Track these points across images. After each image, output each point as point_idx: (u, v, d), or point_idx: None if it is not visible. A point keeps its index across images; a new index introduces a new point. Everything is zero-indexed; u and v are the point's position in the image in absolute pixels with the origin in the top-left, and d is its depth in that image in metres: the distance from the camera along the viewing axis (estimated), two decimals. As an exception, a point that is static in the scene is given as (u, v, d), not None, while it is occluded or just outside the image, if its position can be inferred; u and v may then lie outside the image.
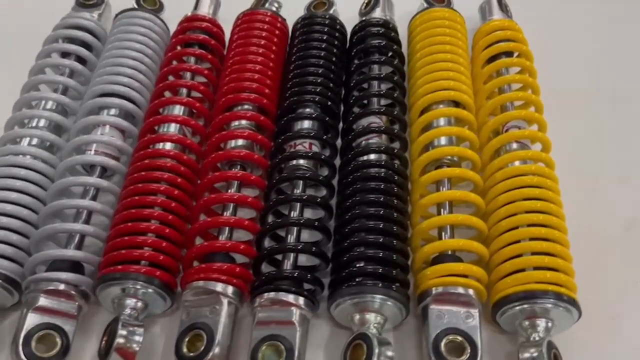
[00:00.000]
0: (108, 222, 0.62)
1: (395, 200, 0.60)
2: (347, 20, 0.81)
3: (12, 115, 0.69)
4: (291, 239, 0.59)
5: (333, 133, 0.69)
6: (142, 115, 0.70)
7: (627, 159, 0.73)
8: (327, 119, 0.68)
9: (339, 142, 0.69)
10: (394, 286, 0.55)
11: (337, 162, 0.67)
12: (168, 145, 0.65)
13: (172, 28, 0.80)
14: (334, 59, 0.73)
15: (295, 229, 0.60)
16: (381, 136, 0.66)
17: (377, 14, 0.79)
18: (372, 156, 0.64)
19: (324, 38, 0.75)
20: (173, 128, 0.67)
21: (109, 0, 0.84)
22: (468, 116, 0.67)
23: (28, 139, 0.66)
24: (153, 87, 0.73)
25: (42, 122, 0.68)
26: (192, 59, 0.75)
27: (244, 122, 0.68)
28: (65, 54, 0.75)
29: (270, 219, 0.62)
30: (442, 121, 0.67)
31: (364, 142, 0.66)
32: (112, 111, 0.69)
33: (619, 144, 0.74)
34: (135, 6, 0.81)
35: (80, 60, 0.75)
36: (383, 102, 0.70)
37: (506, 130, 0.66)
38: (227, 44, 0.79)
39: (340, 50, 0.76)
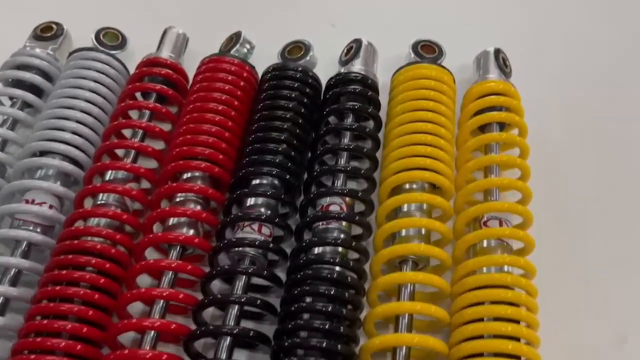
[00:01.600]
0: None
1: (344, 310, 0.52)
2: (326, 64, 0.73)
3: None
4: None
5: (290, 210, 0.62)
6: (82, 175, 0.64)
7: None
8: (283, 196, 0.61)
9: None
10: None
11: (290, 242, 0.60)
12: (103, 222, 0.59)
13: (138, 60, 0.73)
14: (301, 121, 0.65)
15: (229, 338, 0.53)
16: (341, 222, 0.58)
17: (357, 66, 0.70)
18: (328, 249, 0.56)
19: (292, 96, 0.66)
20: (112, 199, 0.60)
21: (68, 31, 0.77)
22: (442, 203, 0.59)
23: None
24: (101, 140, 0.67)
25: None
26: (147, 113, 0.67)
27: (190, 195, 0.61)
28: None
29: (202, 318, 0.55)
30: (413, 207, 0.59)
31: (321, 227, 0.58)
32: (50, 171, 0.63)
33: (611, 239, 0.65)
34: (94, 43, 0.74)
35: (28, 104, 0.69)
36: (348, 179, 0.62)
37: (485, 222, 0.58)
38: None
39: (311, 110, 0.68)
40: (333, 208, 0.58)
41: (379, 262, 0.56)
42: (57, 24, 0.75)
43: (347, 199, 0.59)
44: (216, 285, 0.58)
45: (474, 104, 0.66)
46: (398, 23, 0.84)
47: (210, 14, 0.84)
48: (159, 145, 0.68)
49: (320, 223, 0.58)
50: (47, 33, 0.75)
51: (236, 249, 0.57)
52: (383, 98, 0.70)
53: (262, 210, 0.59)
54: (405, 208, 0.59)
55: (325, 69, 0.73)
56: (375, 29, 0.83)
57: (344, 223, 0.58)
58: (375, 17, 0.85)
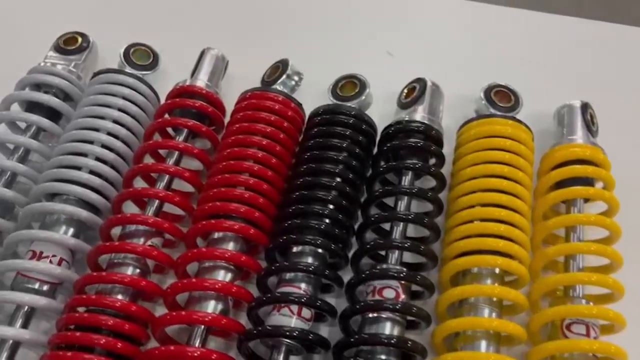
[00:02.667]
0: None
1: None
2: (380, 96, 0.63)
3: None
4: None
5: (335, 284, 0.53)
6: (99, 223, 0.55)
7: None
8: (327, 272, 0.51)
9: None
10: None
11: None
12: (117, 288, 0.51)
13: (170, 83, 0.64)
14: (351, 176, 0.56)
15: None
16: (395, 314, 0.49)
17: (419, 113, 0.60)
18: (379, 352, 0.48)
19: (344, 146, 0.57)
20: (130, 270, 0.52)
21: (95, 43, 0.68)
22: (518, 269, 0.49)
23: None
24: (121, 179, 0.58)
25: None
26: (175, 153, 0.58)
27: (229, 233, 0.53)
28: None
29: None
30: (481, 300, 0.50)
31: (372, 315, 0.49)
32: (63, 217, 0.55)
33: None
34: (122, 61, 0.65)
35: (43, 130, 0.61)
36: (404, 256, 0.53)
37: (567, 327, 0.49)
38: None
39: (363, 160, 0.58)
40: (387, 293, 0.50)
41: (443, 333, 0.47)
42: (82, 35, 0.67)
43: (404, 282, 0.51)
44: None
45: (557, 173, 0.56)
46: (465, 56, 0.74)
47: (252, 36, 0.75)
48: (188, 187, 0.59)
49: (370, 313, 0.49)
50: (71, 45, 0.66)
51: (274, 314, 0.49)
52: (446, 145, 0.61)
53: (303, 287, 0.51)
54: (472, 300, 0.50)
55: (380, 103, 0.63)
56: (438, 60, 0.73)
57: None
58: (438, 46, 0.75)
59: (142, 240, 0.53)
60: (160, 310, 0.52)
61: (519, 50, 0.75)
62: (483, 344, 0.48)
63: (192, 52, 0.67)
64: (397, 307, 0.48)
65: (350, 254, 0.54)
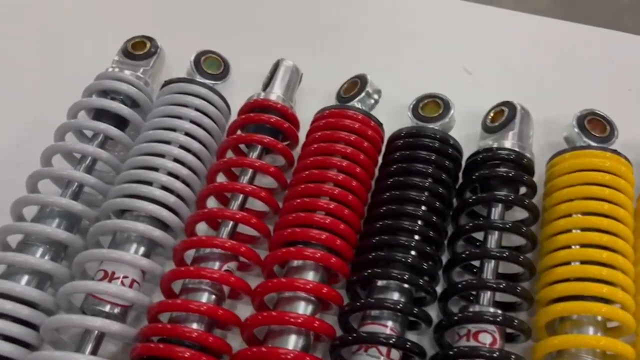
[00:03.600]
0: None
1: None
2: (460, 118, 0.59)
3: (9, 225, 0.52)
4: None
5: (424, 324, 0.50)
6: (171, 243, 0.52)
7: None
8: (416, 311, 0.48)
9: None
10: None
11: None
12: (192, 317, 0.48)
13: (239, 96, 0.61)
14: (437, 204, 0.53)
15: None
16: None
17: (509, 140, 0.57)
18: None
19: (429, 172, 0.54)
20: (205, 297, 0.49)
21: (163, 49, 0.65)
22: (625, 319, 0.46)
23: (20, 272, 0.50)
24: (195, 199, 0.56)
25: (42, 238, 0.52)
26: (249, 172, 0.55)
27: (309, 262, 0.50)
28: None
29: None
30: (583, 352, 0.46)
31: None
32: (134, 235, 0.52)
33: None
34: (193, 70, 0.62)
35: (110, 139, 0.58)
36: (497, 297, 0.49)
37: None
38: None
39: (449, 187, 0.55)
40: (484, 338, 0.46)
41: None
42: (150, 39, 0.64)
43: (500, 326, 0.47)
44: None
45: None
46: (546, 76, 0.70)
47: (319, 48, 0.71)
48: (258, 205, 0.56)
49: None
50: (139, 50, 0.63)
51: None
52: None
53: (390, 325, 0.47)
54: (574, 350, 0.46)
55: (458, 123, 0.59)
56: (518, 80, 0.70)
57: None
58: (517, 65, 0.72)
59: (217, 264, 0.51)
60: (233, 338, 0.50)
61: (602, 73, 0.71)
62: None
63: (257, 62, 0.64)
64: (495, 355, 0.45)
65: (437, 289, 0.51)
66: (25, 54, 0.70)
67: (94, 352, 0.47)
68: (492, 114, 0.60)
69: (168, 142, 0.56)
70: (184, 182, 0.55)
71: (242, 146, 0.60)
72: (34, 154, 0.57)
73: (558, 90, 0.69)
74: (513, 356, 0.45)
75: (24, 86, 0.67)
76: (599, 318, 0.48)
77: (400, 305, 0.48)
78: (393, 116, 0.61)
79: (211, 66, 0.63)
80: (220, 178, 0.58)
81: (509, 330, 0.48)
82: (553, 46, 0.73)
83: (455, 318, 0.47)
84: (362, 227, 0.54)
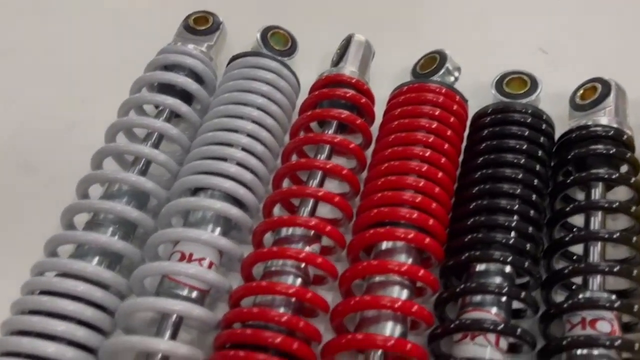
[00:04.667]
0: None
1: None
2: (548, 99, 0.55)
3: (77, 202, 0.49)
4: None
5: (529, 309, 0.45)
6: (249, 223, 0.49)
7: None
8: (523, 294, 0.44)
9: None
10: None
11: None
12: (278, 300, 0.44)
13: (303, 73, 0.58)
14: (537, 184, 0.49)
15: None
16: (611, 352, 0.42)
17: (605, 117, 0.53)
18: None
19: (524, 148, 0.50)
20: (291, 280, 0.45)
21: (225, 25, 0.62)
22: None
23: (91, 250, 0.46)
24: (271, 173, 0.52)
25: (110, 216, 0.48)
26: (327, 148, 0.52)
27: (399, 244, 0.46)
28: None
29: None
30: None
31: (581, 353, 0.41)
32: (209, 214, 0.48)
33: None
34: (260, 45, 0.59)
35: (176, 115, 0.55)
36: (612, 281, 0.45)
37: None
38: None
39: (546, 169, 0.51)
40: (602, 327, 0.42)
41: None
42: (212, 14, 0.61)
43: (617, 313, 0.43)
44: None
45: None
46: (627, 55, 0.66)
47: (383, 24, 0.67)
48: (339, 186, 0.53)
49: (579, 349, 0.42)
50: (201, 26, 0.60)
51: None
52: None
53: (494, 312, 0.43)
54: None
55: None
56: (599, 60, 0.66)
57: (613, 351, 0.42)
58: (597, 44, 0.67)
59: (299, 246, 0.47)
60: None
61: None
62: None
63: (320, 39, 0.61)
64: (617, 343, 0.41)
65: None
66: (85, 32, 0.67)
67: (172, 338, 0.43)
68: (581, 92, 0.56)
69: (241, 117, 0.53)
70: (258, 158, 0.51)
71: (313, 126, 0.56)
72: (90, 135, 0.54)
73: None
74: (637, 344, 0.41)
75: (81, 62, 0.64)
76: None
77: (506, 289, 0.44)
78: (468, 95, 0.57)
79: (278, 42, 0.59)
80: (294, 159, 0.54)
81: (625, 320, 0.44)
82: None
83: (569, 303, 0.43)
84: (452, 210, 0.50)
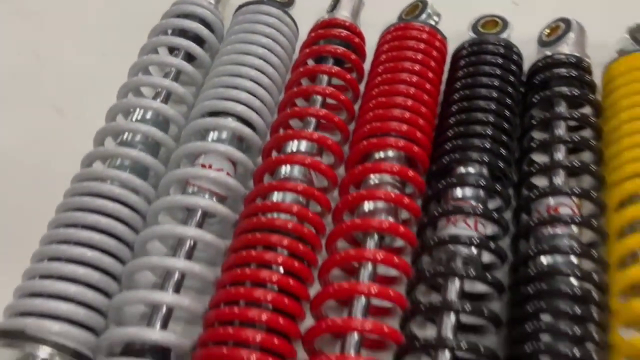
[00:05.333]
0: (202, 287, 0.49)
1: (594, 333, 0.44)
2: (521, 47, 0.63)
3: (105, 125, 0.56)
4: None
5: (503, 204, 0.53)
6: (259, 143, 0.56)
7: None
8: (498, 187, 0.52)
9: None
10: None
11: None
12: (289, 198, 0.51)
13: (303, 26, 0.65)
14: (508, 102, 0.56)
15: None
16: (570, 227, 0.49)
17: (566, 47, 0.61)
18: (560, 259, 0.47)
19: (497, 73, 0.57)
20: (297, 172, 0.52)
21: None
22: None
23: (120, 159, 0.53)
24: (275, 107, 0.59)
25: (138, 137, 0.55)
26: (325, 78, 0.59)
27: (387, 177, 0.53)
28: (173, 49, 0.62)
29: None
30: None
31: (547, 232, 0.49)
32: (224, 135, 0.55)
33: None
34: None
35: (190, 57, 0.62)
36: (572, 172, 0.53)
37: None
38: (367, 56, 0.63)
39: (517, 91, 0.59)
40: (563, 210, 0.50)
41: (622, 283, 0.47)
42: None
43: (576, 199, 0.50)
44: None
45: None
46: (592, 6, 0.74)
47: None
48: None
49: (546, 228, 0.49)
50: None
51: (449, 246, 0.49)
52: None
53: (473, 203, 0.51)
54: (643, 223, 0.50)
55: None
56: (567, 6, 0.73)
57: (574, 229, 0.49)
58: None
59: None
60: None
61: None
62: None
63: None
64: (577, 219, 0.48)
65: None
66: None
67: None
68: (547, 31, 0.64)
69: (248, 54, 0.59)
70: (265, 89, 0.58)
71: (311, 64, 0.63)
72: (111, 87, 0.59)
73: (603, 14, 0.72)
74: (593, 220, 0.49)
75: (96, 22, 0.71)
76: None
77: (483, 183, 0.51)
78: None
79: (278, -7, 0.67)
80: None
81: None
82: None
83: (533, 195, 0.51)
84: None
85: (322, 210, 0.52)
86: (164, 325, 0.45)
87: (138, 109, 0.57)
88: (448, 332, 0.44)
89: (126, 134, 0.55)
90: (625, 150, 0.53)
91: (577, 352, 0.42)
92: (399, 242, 0.51)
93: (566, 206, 0.50)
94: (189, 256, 0.48)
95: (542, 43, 0.63)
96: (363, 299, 0.46)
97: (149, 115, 0.57)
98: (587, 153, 0.55)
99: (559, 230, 0.49)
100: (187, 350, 0.45)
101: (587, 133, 0.56)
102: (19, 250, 0.49)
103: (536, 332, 0.43)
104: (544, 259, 0.47)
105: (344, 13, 0.64)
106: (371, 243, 0.49)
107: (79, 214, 0.49)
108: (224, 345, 0.43)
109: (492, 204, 0.52)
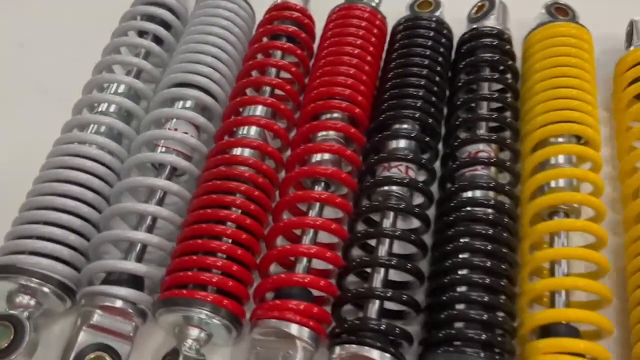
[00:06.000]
0: (174, 230, 0.56)
1: (504, 250, 0.52)
2: (453, 25, 0.72)
3: (82, 97, 0.63)
4: (378, 281, 0.52)
5: (432, 155, 0.61)
6: (220, 111, 0.63)
7: None
8: (427, 139, 0.60)
9: (437, 166, 0.61)
10: (497, 357, 0.47)
11: (434, 189, 0.59)
12: (247, 152, 0.58)
13: (260, 12, 0.72)
14: (438, 69, 0.64)
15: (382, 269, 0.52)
16: (489, 169, 0.57)
17: (491, 22, 0.69)
18: (479, 193, 0.55)
19: (429, 44, 0.66)
20: (253, 132, 0.60)
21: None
22: (594, 155, 0.58)
23: (96, 126, 0.60)
24: (234, 80, 0.67)
25: (112, 108, 0.62)
26: (279, 53, 0.67)
27: (332, 133, 0.60)
28: (142, 33, 0.70)
29: (355, 252, 0.55)
30: (561, 159, 0.58)
31: (468, 173, 0.57)
32: (188, 103, 0.62)
33: None
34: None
35: (158, 40, 0.69)
36: (492, 126, 0.61)
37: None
38: (317, 39, 0.71)
39: (446, 60, 0.67)
40: (482, 155, 0.58)
41: (530, 212, 0.55)
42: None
43: (494, 146, 0.59)
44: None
45: (632, 72, 0.64)
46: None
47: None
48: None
49: (468, 169, 0.57)
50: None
51: (384, 187, 0.56)
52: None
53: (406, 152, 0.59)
54: (553, 161, 0.58)
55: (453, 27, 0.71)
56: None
57: (492, 170, 0.57)
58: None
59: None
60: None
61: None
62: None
63: None
64: (492, 160, 0.57)
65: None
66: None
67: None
68: (475, 9, 0.72)
69: (210, 34, 0.66)
70: (225, 64, 0.66)
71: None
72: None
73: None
74: (508, 163, 0.57)
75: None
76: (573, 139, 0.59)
77: (414, 134, 0.59)
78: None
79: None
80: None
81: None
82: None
83: (456, 143, 0.59)
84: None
85: (276, 167, 0.60)
86: (138, 261, 0.52)
87: (112, 84, 0.64)
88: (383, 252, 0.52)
89: (101, 104, 0.62)
90: (537, 105, 0.61)
91: (488, 263, 0.50)
92: (344, 190, 0.59)
93: (485, 152, 0.58)
94: (160, 204, 0.56)
95: (471, 20, 0.72)
96: (311, 232, 0.54)
97: (121, 89, 0.64)
98: (507, 111, 0.63)
99: (479, 172, 0.57)
100: (157, 280, 0.52)
101: (507, 94, 0.65)
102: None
103: (455, 252, 0.51)
104: (464, 194, 0.55)
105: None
106: (318, 188, 0.57)
107: (62, 171, 0.56)
108: (189, 271, 0.50)
109: (424, 157, 0.60)
